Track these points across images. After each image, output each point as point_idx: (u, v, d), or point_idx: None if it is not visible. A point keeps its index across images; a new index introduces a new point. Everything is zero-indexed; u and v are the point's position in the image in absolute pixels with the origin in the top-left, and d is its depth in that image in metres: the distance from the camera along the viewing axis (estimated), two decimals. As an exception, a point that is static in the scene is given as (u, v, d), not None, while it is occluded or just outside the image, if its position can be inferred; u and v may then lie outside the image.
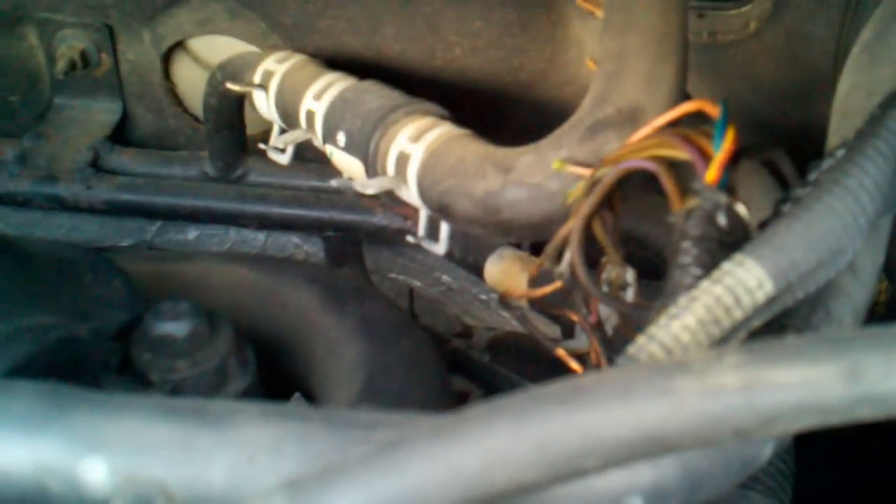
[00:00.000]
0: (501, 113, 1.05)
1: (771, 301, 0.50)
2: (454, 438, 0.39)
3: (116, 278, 0.67)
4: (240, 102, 1.13)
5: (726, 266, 0.50)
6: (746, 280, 0.49)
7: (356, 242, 1.19)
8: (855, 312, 0.58)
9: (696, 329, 0.48)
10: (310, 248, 1.23)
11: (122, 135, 1.25)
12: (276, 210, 1.17)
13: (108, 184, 1.18)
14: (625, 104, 0.76)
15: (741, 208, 0.56)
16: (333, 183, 0.96)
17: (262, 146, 1.08)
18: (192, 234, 1.26)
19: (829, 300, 0.57)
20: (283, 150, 1.04)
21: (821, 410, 0.39)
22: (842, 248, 0.52)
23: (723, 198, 0.56)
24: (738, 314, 0.49)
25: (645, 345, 0.49)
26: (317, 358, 0.79)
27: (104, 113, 1.23)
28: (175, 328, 0.65)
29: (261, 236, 1.24)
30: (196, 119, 1.22)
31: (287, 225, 1.19)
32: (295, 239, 1.24)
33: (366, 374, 0.74)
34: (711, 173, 0.58)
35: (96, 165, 1.20)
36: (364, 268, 1.20)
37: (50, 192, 1.18)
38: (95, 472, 0.41)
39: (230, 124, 1.15)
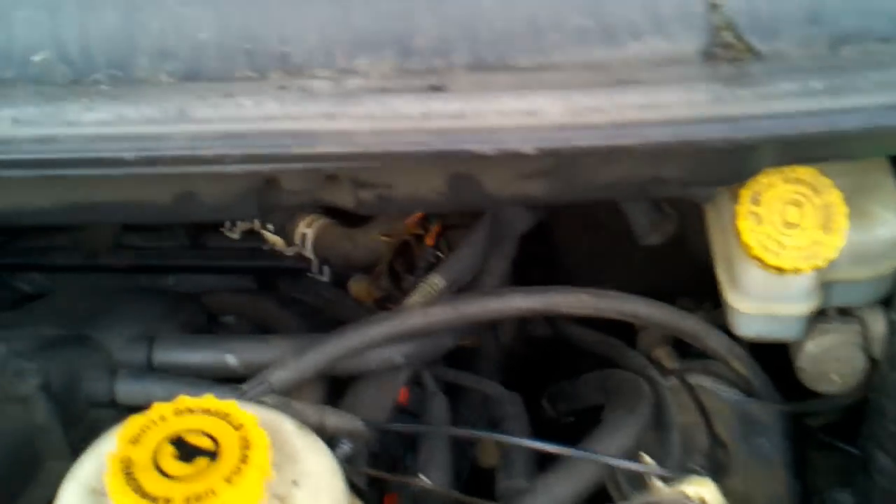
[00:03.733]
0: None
1: (446, 287, 1.35)
2: (338, 337, 1.24)
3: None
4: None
5: (428, 277, 1.35)
6: (433, 281, 1.33)
7: (273, 279, 1.96)
8: (490, 287, 1.44)
9: (418, 301, 1.32)
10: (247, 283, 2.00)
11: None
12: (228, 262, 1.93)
13: (128, 255, 1.89)
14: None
15: (439, 254, 1.43)
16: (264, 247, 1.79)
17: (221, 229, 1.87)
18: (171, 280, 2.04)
19: (477, 283, 1.41)
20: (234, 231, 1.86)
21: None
22: (473, 264, 1.38)
23: (430, 251, 1.42)
24: (432, 292, 1.33)
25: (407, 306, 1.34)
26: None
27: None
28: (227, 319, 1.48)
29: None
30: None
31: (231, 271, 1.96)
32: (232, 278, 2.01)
33: None
34: (428, 240, 1.44)
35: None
36: (278, 291, 1.99)
37: (92, 262, 1.77)
38: (231, 360, 1.24)
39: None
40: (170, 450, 0.92)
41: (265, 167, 0.92)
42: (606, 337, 1.54)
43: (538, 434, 1.39)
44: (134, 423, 0.95)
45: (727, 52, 0.89)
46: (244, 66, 0.93)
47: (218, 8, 0.94)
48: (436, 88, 0.89)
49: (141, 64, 0.93)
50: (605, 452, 1.16)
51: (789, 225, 1.14)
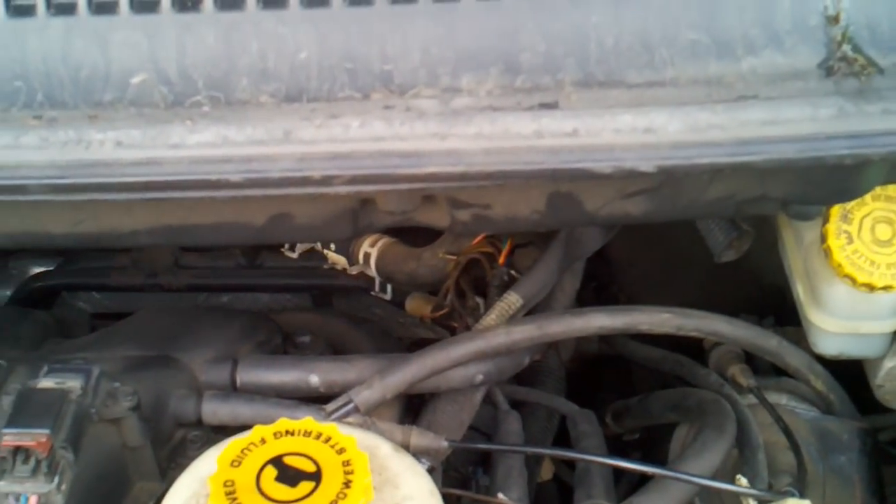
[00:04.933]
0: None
1: (523, 305, 1.30)
2: (422, 357, 1.19)
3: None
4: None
5: (505, 295, 1.30)
6: (510, 299, 1.29)
7: (328, 296, 1.93)
8: (562, 305, 1.39)
9: (496, 318, 1.27)
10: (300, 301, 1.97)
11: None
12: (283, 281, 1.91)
13: (187, 275, 1.90)
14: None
15: (512, 272, 1.38)
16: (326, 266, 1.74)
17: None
18: (224, 298, 2.00)
19: (549, 300, 1.37)
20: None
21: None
22: (548, 282, 1.33)
23: (503, 269, 1.37)
24: (510, 310, 1.29)
25: (479, 325, 1.29)
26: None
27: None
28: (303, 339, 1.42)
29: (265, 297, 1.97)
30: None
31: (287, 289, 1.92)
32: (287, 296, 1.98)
33: None
34: (500, 259, 1.40)
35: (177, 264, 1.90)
36: (332, 309, 1.95)
37: (151, 282, 1.78)
38: (313, 380, 1.20)
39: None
40: (272, 472, 0.89)
41: (371, 188, 0.88)
42: (672, 354, 1.49)
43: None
44: (234, 445, 0.91)
45: (847, 66, 0.84)
46: (346, 86, 0.89)
47: (317, 27, 0.90)
48: (547, 106, 0.84)
49: (241, 85, 0.89)
50: (697, 473, 1.11)
51: (881, 243, 1.09)
